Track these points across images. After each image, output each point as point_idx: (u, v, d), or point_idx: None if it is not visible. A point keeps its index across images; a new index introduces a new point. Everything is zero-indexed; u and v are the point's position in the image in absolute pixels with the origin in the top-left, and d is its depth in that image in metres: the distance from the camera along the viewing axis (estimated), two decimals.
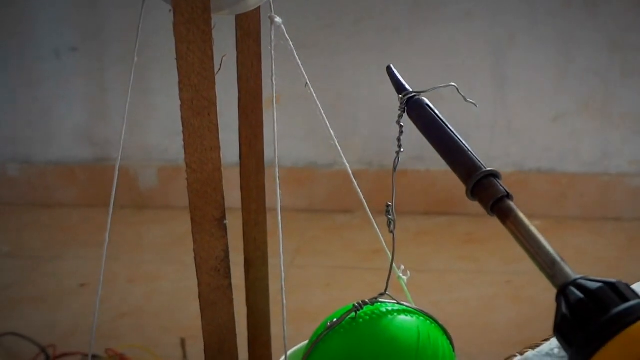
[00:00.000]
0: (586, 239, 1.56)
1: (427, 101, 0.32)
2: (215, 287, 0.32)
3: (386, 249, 0.36)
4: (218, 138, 0.30)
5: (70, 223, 1.80)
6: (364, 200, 0.41)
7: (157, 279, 1.36)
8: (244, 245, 0.40)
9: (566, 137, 1.69)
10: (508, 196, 0.27)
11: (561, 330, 0.21)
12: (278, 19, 0.32)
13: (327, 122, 0.36)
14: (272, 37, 0.32)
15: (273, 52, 0.31)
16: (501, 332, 1.06)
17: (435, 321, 0.35)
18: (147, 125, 1.86)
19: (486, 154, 1.74)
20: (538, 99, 1.68)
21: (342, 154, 0.38)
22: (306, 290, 1.28)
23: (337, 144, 0.37)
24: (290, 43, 0.34)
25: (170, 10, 0.28)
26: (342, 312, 0.35)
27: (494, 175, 0.27)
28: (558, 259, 0.23)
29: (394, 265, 0.35)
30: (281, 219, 0.41)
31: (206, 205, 0.31)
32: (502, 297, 1.23)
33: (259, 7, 0.35)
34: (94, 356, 0.97)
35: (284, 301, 0.33)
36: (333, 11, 1.71)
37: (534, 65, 1.67)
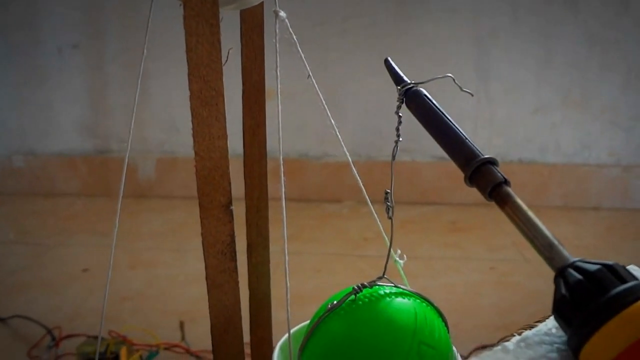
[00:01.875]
0: (566, 228, 1.57)
1: (424, 91, 0.32)
2: (221, 270, 0.31)
3: (384, 234, 0.36)
4: (225, 127, 0.29)
5: (72, 212, 1.79)
6: (363, 188, 0.40)
7: (156, 266, 1.36)
8: (247, 231, 0.40)
9: (547, 129, 1.70)
10: (506, 182, 0.26)
11: (560, 310, 0.20)
12: (282, 13, 0.31)
13: (328, 112, 0.36)
14: (277, 30, 0.31)
15: (277, 44, 0.31)
16: (486, 316, 1.07)
17: (431, 303, 0.35)
18: (145, 120, 1.85)
19: None
20: (519, 93, 1.69)
21: (342, 144, 0.37)
22: (299, 276, 1.28)
23: (337, 133, 0.36)
24: (294, 36, 0.33)
25: (180, 5, 0.28)
26: (342, 294, 0.35)
27: (492, 162, 0.27)
28: (555, 242, 0.23)
29: (391, 250, 0.35)
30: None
31: (214, 192, 0.30)
32: (487, 282, 1.24)
33: (263, 3, 0.35)
34: (96, 337, 0.97)
35: (288, 283, 0.33)
36: (323, 10, 1.70)
37: (515, 59, 1.67)
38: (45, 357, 0.92)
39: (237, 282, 0.32)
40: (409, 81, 0.32)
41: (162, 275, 1.30)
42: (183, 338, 0.95)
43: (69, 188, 1.89)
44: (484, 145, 1.72)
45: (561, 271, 0.21)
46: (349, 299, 0.34)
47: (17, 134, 1.89)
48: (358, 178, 0.37)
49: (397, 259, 0.36)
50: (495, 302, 1.13)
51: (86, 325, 1.05)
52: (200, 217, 0.30)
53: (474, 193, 1.31)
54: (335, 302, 0.34)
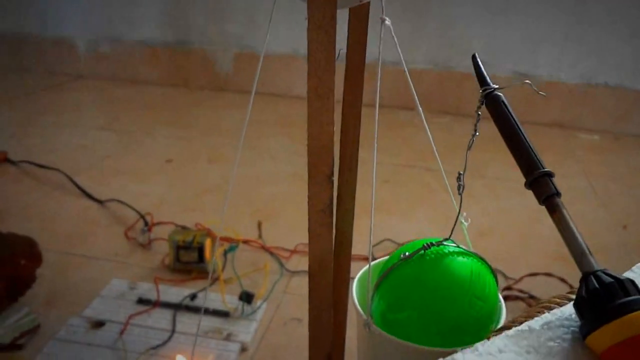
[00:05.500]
0: None
1: (503, 97, 0.38)
2: (321, 224, 0.41)
3: (454, 204, 0.44)
4: (333, 116, 0.37)
5: (154, 101, 1.93)
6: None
7: (233, 162, 1.48)
8: (338, 185, 0.49)
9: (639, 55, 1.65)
10: (557, 194, 0.33)
11: (578, 306, 0.29)
12: (388, 21, 0.38)
13: None
14: (382, 35, 0.38)
15: (381, 47, 0.37)
16: (542, 244, 1.13)
17: (486, 262, 0.44)
18: (225, 13, 1.91)
19: (555, 64, 1.72)
20: (616, 15, 1.62)
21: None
22: (366, 185, 1.38)
23: None
24: (396, 39, 0.39)
25: (305, 18, 0.35)
26: (414, 248, 0.44)
27: (549, 174, 0.34)
28: (587, 251, 0.30)
29: (459, 217, 0.43)
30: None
31: (320, 165, 0.39)
32: None
33: None
34: (183, 227, 1.12)
35: (372, 226, 0.42)
36: None
37: None
38: (141, 240, 1.09)
39: (332, 233, 0.41)
40: (491, 84, 0.38)
41: (238, 172, 1.43)
42: (260, 236, 1.09)
43: (151, 76, 2.02)
44: (570, 64, 1.70)
45: (585, 276, 0.29)
46: (419, 253, 0.43)
47: (103, 20, 2.00)
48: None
49: (463, 221, 0.45)
50: (555, 230, 1.19)
51: (172, 213, 1.20)
52: (308, 183, 0.39)
53: (551, 113, 1.38)
54: (407, 253, 0.44)
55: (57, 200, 1.25)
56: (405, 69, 0.45)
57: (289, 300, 0.95)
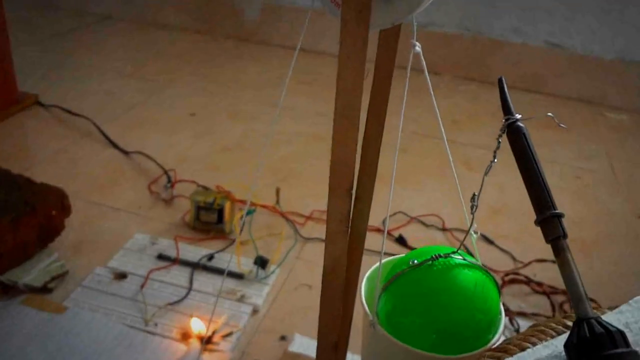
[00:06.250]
0: None
1: (524, 130, 0.39)
2: (337, 232, 0.43)
3: (466, 216, 0.46)
4: (357, 135, 0.39)
5: (181, 48, 1.92)
6: None
7: (254, 119, 1.49)
8: (357, 187, 0.51)
9: None
10: (564, 236, 0.35)
11: (567, 349, 0.32)
12: (418, 47, 0.39)
13: None
14: (410, 57, 0.39)
15: (409, 71, 0.39)
16: None
17: (490, 275, 0.47)
18: None
19: (589, 36, 1.68)
20: None
21: None
22: (384, 153, 1.39)
23: None
24: (424, 63, 0.40)
25: (337, 42, 0.36)
26: (423, 256, 0.46)
27: (559, 215, 0.36)
28: (584, 297, 0.33)
29: (470, 231, 0.46)
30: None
31: (341, 179, 0.41)
32: (567, 191, 1.29)
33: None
34: (205, 187, 1.15)
35: (387, 223, 0.45)
36: None
37: None
38: (164, 195, 1.13)
39: (347, 239, 0.44)
40: (515, 114, 0.39)
41: (258, 130, 1.44)
42: (277, 202, 1.12)
43: (178, 22, 2.01)
44: (605, 40, 1.66)
45: (579, 322, 0.32)
46: (427, 263, 0.46)
47: None
48: None
49: (472, 232, 0.47)
50: (572, 214, 1.18)
51: (194, 170, 1.23)
52: (328, 195, 0.41)
53: (579, 88, 1.39)
54: (415, 261, 0.46)
55: (85, 148, 1.28)
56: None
57: (301, 266, 0.98)
